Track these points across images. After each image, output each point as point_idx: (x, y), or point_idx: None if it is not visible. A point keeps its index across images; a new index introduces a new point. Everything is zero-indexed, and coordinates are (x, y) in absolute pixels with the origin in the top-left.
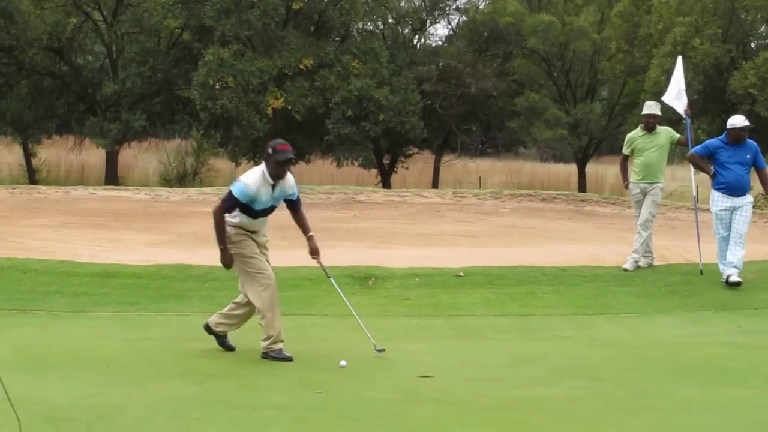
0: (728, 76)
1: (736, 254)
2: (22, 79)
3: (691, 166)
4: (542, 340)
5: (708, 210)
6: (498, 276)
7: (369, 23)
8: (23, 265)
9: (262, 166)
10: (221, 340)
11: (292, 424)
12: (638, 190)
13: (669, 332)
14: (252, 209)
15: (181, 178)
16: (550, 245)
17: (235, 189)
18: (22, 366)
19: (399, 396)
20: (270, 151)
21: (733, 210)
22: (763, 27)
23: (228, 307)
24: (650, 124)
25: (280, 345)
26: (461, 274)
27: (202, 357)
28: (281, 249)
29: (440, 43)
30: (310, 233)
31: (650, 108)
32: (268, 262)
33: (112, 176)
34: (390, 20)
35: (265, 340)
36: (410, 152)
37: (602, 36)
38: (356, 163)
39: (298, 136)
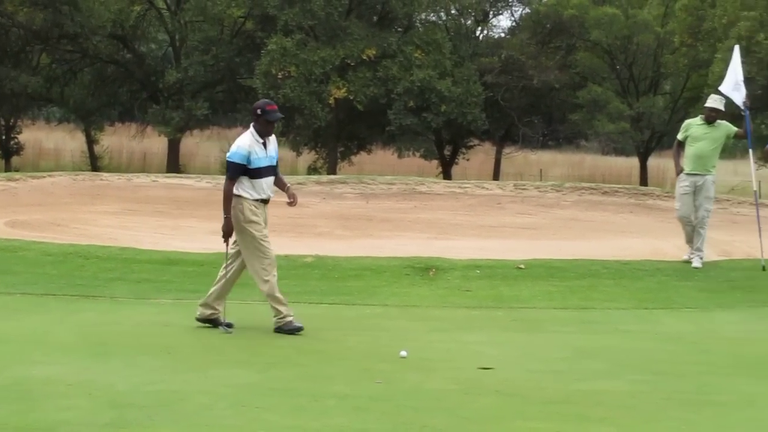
0: None
1: None
2: (86, 67)
3: (751, 157)
4: (603, 333)
5: None
6: (559, 269)
7: (432, 14)
8: (86, 251)
9: (250, 129)
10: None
11: (353, 414)
12: (687, 183)
13: (731, 327)
14: (252, 170)
15: None
16: (611, 239)
17: (231, 156)
18: (84, 351)
19: (459, 387)
20: (259, 111)
21: None
22: None
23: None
24: (711, 118)
25: (290, 318)
26: (522, 266)
27: (264, 345)
28: (344, 239)
29: (503, 34)
30: (288, 185)
31: (714, 102)
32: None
33: (174, 164)
34: (453, 11)
35: (275, 316)
36: (471, 144)
37: (666, 29)
38: (417, 154)
39: (359, 126)
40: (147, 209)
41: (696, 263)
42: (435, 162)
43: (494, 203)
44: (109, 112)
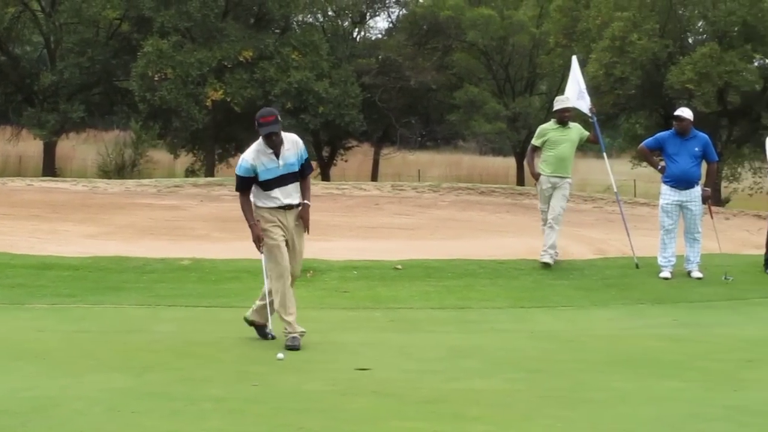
0: (666, 71)
1: (693, 249)
2: None
3: (606, 160)
4: (480, 332)
5: (642, 204)
6: (436, 269)
7: (309, 15)
8: None
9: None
10: (261, 330)
11: (229, 417)
12: (549, 185)
13: (606, 325)
14: (261, 182)
15: (119, 170)
16: (488, 238)
17: (237, 169)
18: None
19: (337, 388)
20: (256, 124)
21: (681, 206)
22: (701, 22)
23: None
24: (565, 118)
25: (296, 332)
26: (399, 266)
27: (140, 349)
28: (221, 241)
29: (380, 36)
30: (304, 201)
31: (564, 102)
32: (297, 246)
33: (50, 167)
34: (330, 13)
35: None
36: (349, 145)
37: (541, 30)
38: None
39: (237, 128)
40: (22, 213)
41: (546, 259)
42: (313, 163)
43: (372, 204)
44: None
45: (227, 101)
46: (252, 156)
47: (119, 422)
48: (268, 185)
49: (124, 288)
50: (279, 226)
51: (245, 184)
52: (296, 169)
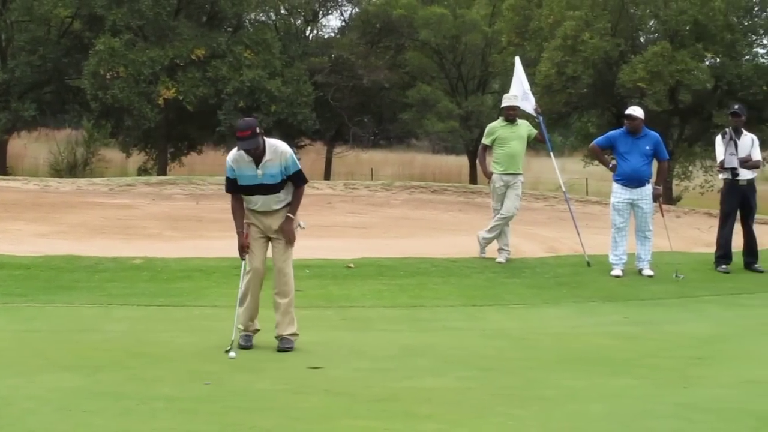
0: (617, 70)
1: (644, 248)
2: None
3: (553, 158)
4: (432, 331)
5: (594, 202)
6: (389, 267)
7: (261, 14)
8: None
9: None
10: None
11: (181, 416)
12: (501, 183)
13: (557, 323)
14: (240, 186)
15: (71, 169)
16: (440, 237)
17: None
18: None
19: (288, 387)
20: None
21: (632, 204)
22: (652, 21)
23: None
24: (511, 116)
25: (243, 334)
26: (352, 265)
27: (91, 348)
28: (173, 240)
29: (333, 34)
30: (288, 214)
31: (511, 100)
32: (278, 262)
33: (1, 166)
34: (282, 11)
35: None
36: (302, 143)
37: (493, 29)
38: None
39: (190, 126)
40: None
41: (500, 259)
42: None
43: (325, 203)
44: None
45: (179, 100)
46: (232, 158)
47: (70, 422)
48: (248, 190)
49: (76, 287)
50: (257, 227)
51: (230, 185)
52: (278, 180)
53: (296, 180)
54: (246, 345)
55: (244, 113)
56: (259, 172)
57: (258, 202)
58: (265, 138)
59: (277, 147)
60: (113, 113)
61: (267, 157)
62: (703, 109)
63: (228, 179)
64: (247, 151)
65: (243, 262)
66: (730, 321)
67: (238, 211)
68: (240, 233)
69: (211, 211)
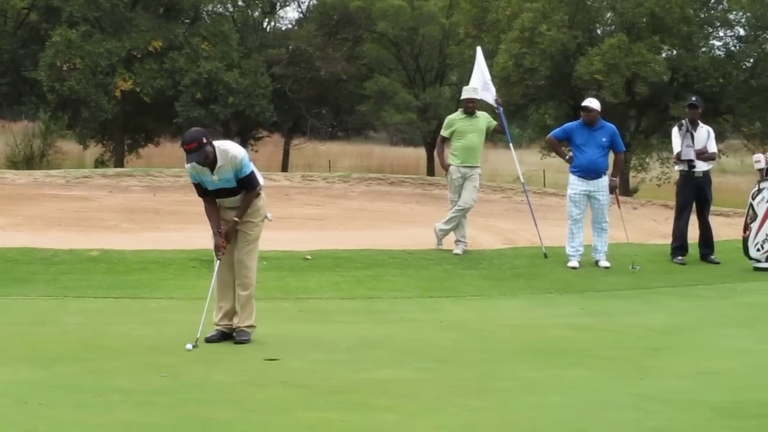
0: (575, 62)
1: (600, 239)
2: None
3: (513, 151)
4: (389, 322)
5: (551, 194)
6: (346, 259)
7: (219, 5)
8: None
9: None
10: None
11: (138, 408)
12: (459, 174)
13: (514, 314)
14: (208, 189)
15: (28, 161)
16: (398, 228)
17: None
18: None
19: (245, 379)
20: None
21: (589, 195)
22: (609, 14)
23: None
24: (470, 109)
25: (215, 328)
26: (309, 257)
27: (47, 341)
28: (130, 232)
29: (290, 26)
30: (234, 218)
31: (470, 93)
32: (242, 240)
33: None
34: (240, 3)
35: None
36: (260, 135)
37: (451, 21)
38: None
39: (147, 118)
40: None
41: (457, 250)
42: None
43: (282, 195)
44: None
45: (137, 91)
46: (190, 166)
47: (26, 414)
48: (213, 194)
49: (32, 279)
50: (223, 219)
51: (199, 190)
52: (233, 185)
53: (245, 185)
54: (211, 338)
55: (202, 105)
56: (215, 177)
57: (224, 202)
58: (215, 144)
59: (228, 152)
60: (70, 105)
61: (219, 163)
62: (659, 101)
63: (194, 185)
64: (198, 162)
65: (217, 261)
66: (686, 312)
67: (212, 213)
68: (216, 233)
69: (169, 203)
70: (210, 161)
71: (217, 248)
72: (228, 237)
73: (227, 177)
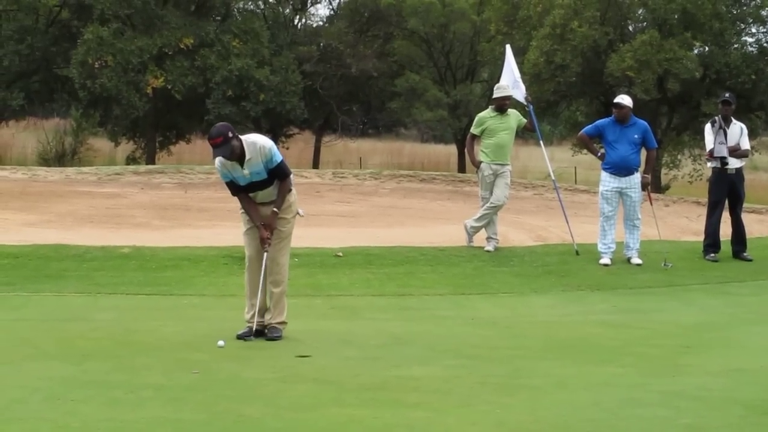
0: (606, 59)
1: (632, 236)
2: None
3: (543, 148)
4: (420, 319)
5: (583, 191)
6: (377, 256)
7: (249, 2)
8: None
9: None
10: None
11: (169, 405)
12: (490, 171)
13: (545, 311)
14: (241, 186)
15: (59, 158)
16: (428, 225)
17: None
18: None
19: (276, 375)
20: None
21: (621, 192)
22: (640, 10)
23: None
24: (505, 107)
25: (246, 325)
26: (340, 254)
27: (79, 337)
28: (161, 229)
29: (321, 23)
30: (273, 209)
31: (504, 90)
32: (275, 237)
33: None
34: (271, 0)
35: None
36: (291, 132)
37: (482, 17)
38: None
39: (178, 115)
40: None
41: (488, 247)
42: None
43: (313, 192)
44: None
45: (168, 89)
46: (219, 163)
47: (59, 410)
48: (246, 189)
49: (64, 276)
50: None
51: (232, 188)
52: (265, 176)
53: (278, 173)
54: (242, 335)
55: (233, 102)
56: (246, 171)
57: (258, 196)
58: (241, 137)
59: (255, 143)
60: (101, 102)
61: (248, 156)
62: (691, 98)
63: (227, 184)
64: (225, 157)
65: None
66: (718, 309)
67: (251, 207)
68: (259, 227)
69: (199, 200)
70: (237, 155)
71: (262, 241)
72: (270, 228)
73: (257, 170)
